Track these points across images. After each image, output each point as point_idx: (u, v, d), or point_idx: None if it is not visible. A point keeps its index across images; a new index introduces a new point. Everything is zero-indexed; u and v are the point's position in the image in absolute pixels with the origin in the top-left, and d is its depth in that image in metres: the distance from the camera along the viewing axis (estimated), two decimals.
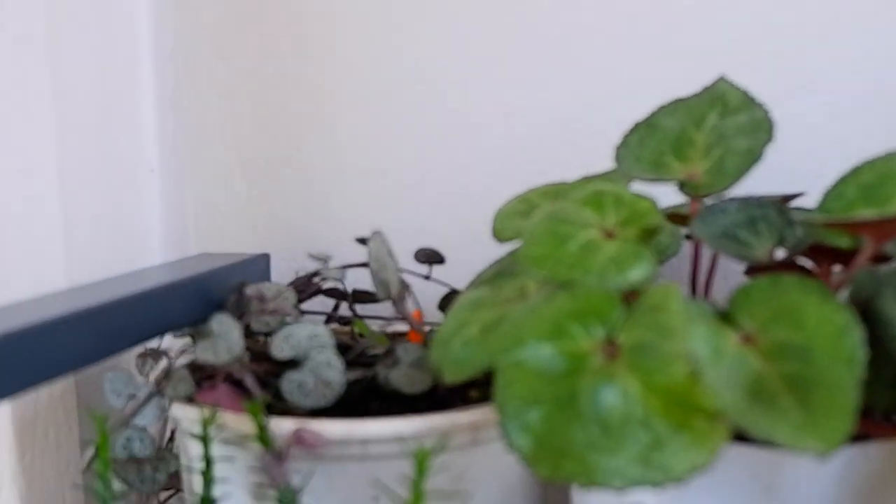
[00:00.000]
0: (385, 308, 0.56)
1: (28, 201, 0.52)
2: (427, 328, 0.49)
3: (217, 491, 0.39)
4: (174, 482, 0.45)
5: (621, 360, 0.35)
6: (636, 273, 0.38)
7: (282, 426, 0.38)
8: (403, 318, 0.48)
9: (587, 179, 0.48)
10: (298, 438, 0.37)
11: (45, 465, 0.53)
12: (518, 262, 0.44)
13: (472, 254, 0.55)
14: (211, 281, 0.50)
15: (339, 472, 0.39)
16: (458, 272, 0.53)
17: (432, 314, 0.54)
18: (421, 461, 0.32)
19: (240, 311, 0.48)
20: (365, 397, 0.44)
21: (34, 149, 0.53)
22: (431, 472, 0.32)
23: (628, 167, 0.46)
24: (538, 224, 0.41)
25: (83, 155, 0.56)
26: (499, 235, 0.46)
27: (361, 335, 0.51)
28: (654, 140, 0.47)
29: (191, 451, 0.42)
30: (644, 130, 0.47)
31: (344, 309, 0.55)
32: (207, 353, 0.42)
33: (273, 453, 0.37)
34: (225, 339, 0.42)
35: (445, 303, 0.51)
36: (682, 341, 0.34)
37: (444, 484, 0.40)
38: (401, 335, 0.52)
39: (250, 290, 0.46)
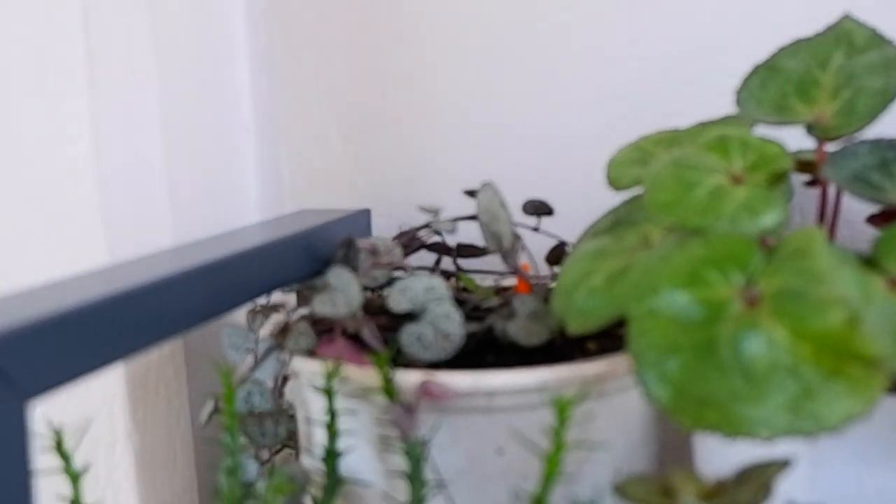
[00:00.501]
0: (487, 263, 0.55)
1: (134, 161, 0.53)
2: (539, 281, 0.48)
3: (341, 444, 0.39)
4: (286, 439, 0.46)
5: (764, 307, 0.33)
6: (769, 219, 0.37)
7: (407, 378, 0.38)
8: (513, 271, 0.47)
9: (702, 126, 0.47)
10: (426, 390, 0.37)
11: (157, 421, 0.54)
12: (639, 210, 0.43)
13: (579, 205, 0.54)
14: (315, 236, 0.50)
15: (463, 424, 0.39)
16: (565, 224, 0.52)
17: (540, 267, 0.53)
18: (562, 410, 0.31)
19: (349, 266, 0.47)
20: (479, 351, 0.44)
21: (139, 109, 0.53)
22: (571, 422, 0.32)
23: (750, 111, 0.44)
24: (662, 170, 0.40)
25: (184, 115, 0.56)
26: (614, 184, 0.45)
27: (467, 290, 0.51)
28: (777, 82, 0.45)
29: (311, 406, 0.42)
30: (765, 73, 0.45)
31: (446, 264, 0.54)
32: (326, 307, 0.42)
33: (403, 405, 0.36)
34: (343, 292, 0.42)
35: (554, 255, 0.50)
36: (834, 286, 0.32)
37: (570, 436, 0.40)
38: (507, 290, 0.51)
39: (362, 244, 0.46)
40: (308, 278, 0.48)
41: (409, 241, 0.51)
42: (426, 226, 0.51)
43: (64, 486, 0.36)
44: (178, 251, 0.45)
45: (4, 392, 0.27)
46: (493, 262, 0.55)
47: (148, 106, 0.53)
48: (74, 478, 0.36)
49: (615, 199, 0.45)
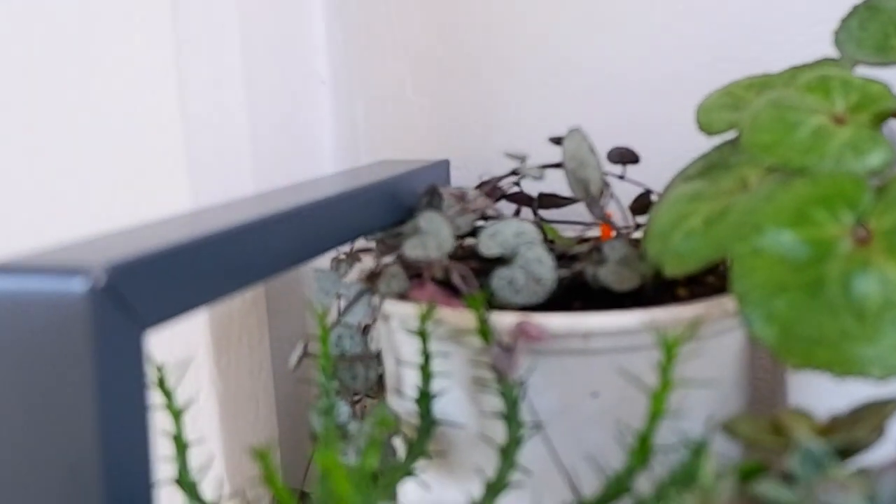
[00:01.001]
0: (568, 213, 0.55)
1: (218, 111, 0.53)
2: (626, 230, 0.48)
3: (434, 386, 0.39)
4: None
5: (875, 246, 0.33)
6: (875, 158, 0.36)
7: (501, 320, 0.38)
8: (599, 219, 0.47)
9: (795, 70, 0.45)
10: (522, 331, 0.37)
11: (240, 368, 0.55)
12: (734, 153, 0.42)
13: (664, 153, 0.53)
14: (396, 185, 0.50)
15: (558, 367, 0.39)
16: (649, 173, 0.51)
17: (624, 217, 0.52)
18: (670, 347, 0.31)
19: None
20: (568, 298, 0.44)
21: (221, 60, 0.53)
22: (677, 360, 0.31)
23: (850, 52, 0.43)
24: (762, 112, 0.39)
25: (263, 67, 0.57)
26: (706, 129, 0.44)
27: (550, 240, 0.50)
28: (877, 22, 0.43)
29: (401, 349, 0.42)
30: (865, 13, 0.44)
31: (525, 216, 0.54)
32: (417, 250, 0.42)
33: (502, 345, 0.36)
34: (434, 235, 0.42)
35: (639, 204, 0.50)
36: None
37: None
38: (589, 241, 0.50)
39: (449, 190, 0.46)
40: (390, 227, 0.48)
41: (491, 192, 0.51)
42: (506, 176, 0.50)
43: (165, 422, 0.37)
44: (259, 198, 0.45)
45: (125, 320, 0.28)
46: (573, 212, 0.54)
47: (230, 57, 0.54)
48: (176, 414, 0.36)
49: (701, 146, 0.44)
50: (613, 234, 0.47)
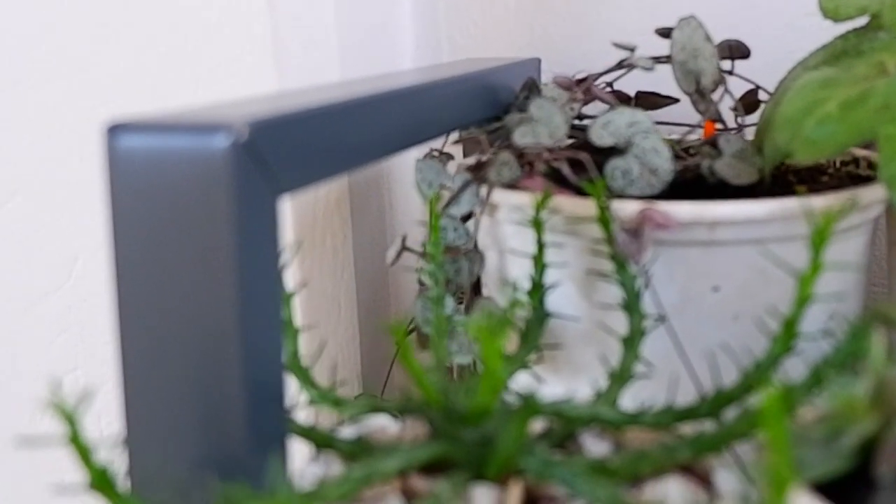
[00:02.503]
0: (662, 115, 0.52)
1: (305, 4, 0.51)
2: (735, 128, 0.46)
3: (548, 278, 0.38)
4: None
5: None
6: None
7: (622, 208, 0.36)
8: (707, 114, 0.45)
9: None
10: (648, 217, 0.35)
11: (323, 271, 0.54)
12: (868, 40, 0.40)
13: (774, 50, 0.50)
14: (490, 80, 0.48)
15: (679, 259, 0.37)
16: (755, 69, 0.49)
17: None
18: (822, 230, 0.29)
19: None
20: (677, 195, 0.42)
21: None
22: (828, 244, 0.30)
23: None
24: None
25: None
26: (832, 15, 0.41)
27: None
28: None
29: (508, 242, 0.41)
30: None
31: None
32: (527, 138, 0.40)
33: (629, 230, 0.35)
34: (546, 123, 0.40)
35: (747, 101, 0.47)
36: None
37: (789, 269, 0.38)
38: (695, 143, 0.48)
39: (558, 79, 0.44)
40: (484, 123, 0.47)
41: (588, 90, 0.49)
42: (610, 70, 0.48)
43: None
44: (373, 79, 0.43)
45: (263, 181, 0.26)
46: (669, 114, 0.52)
47: None
48: (286, 299, 0.35)
49: (809, 42, 0.42)
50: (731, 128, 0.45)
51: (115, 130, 0.26)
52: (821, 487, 0.25)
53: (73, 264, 0.56)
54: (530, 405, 0.27)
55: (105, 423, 0.59)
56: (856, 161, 0.46)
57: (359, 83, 0.39)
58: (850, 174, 0.45)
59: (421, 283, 0.46)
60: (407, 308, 0.61)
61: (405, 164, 0.61)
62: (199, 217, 0.26)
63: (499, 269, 0.43)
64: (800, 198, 0.36)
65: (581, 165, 0.41)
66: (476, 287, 0.45)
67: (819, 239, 0.29)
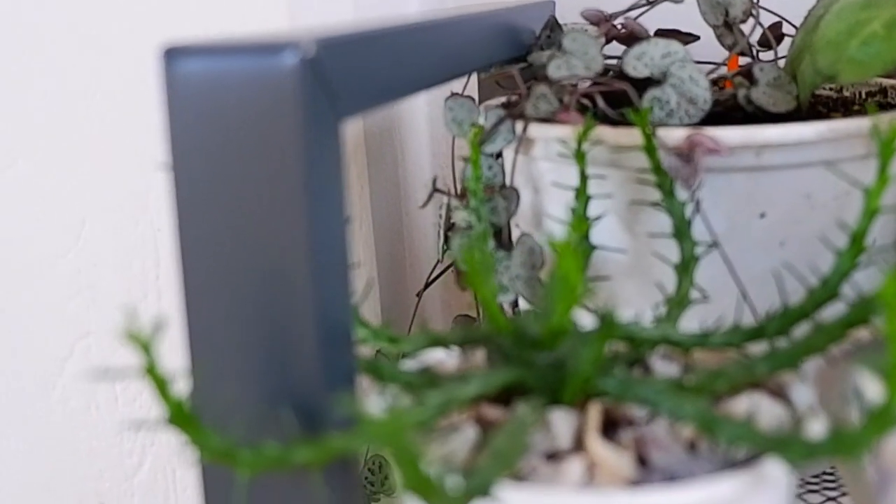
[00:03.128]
0: None
1: None
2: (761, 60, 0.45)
3: (590, 210, 0.37)
4: None
5: None
6: None
7: (668, 135, 0.36)
8: (734, 48, 0.44)
9: None
10: (697, 142, 0.35)
11: None
12: None
13: None
14: (512, 19, 0.47)
15: (725, 186, 0.37)
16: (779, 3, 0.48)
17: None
18: (888, 143, 0.29)
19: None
20: (713, 124, 0.41)
21: None
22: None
23: None
24: None
25: None
26: None
27: None
28: None
29: (547, 177, 0.40)
30: None
31: None
32: (561, 71, 0.39)
33: (679, 154, 0.34)
34: (580, 56, 0.40)
35: (773, 32, 0.47)
36: None
37: (832, 194, 0.37)
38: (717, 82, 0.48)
39: (588, 13, 0.43)
40: (505, 64, 0.46)
41: (607, 30, 0.48)
42: (633, 7, 0.47)
43: None
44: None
45: (329, 105, 0.25)
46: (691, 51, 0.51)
47: None
48: None
49: None
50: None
51: (173, 54, 0.25)
52: None
53: (80, 227, 0.54)
54: (609, 324, 0.26)
55: (120, 389, 0.58)
56: (883, 91, 0.46)
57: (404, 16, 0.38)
58: (880, 104, 0.45)
59: (448, 224, 0.46)
60: (422, 258, 0.60)
61: (415, 115, 0.60)
62: (265, 141, 0.25)
63: (532, 207, 0.42)
64: (847, 119, 0.36)
65: (615, 99, 0.40)
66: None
67: (886, 153, 0.29)
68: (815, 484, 0.43)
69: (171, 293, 0.55)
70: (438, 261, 0.52)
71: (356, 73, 0.27)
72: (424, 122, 0.60)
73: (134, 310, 0.22)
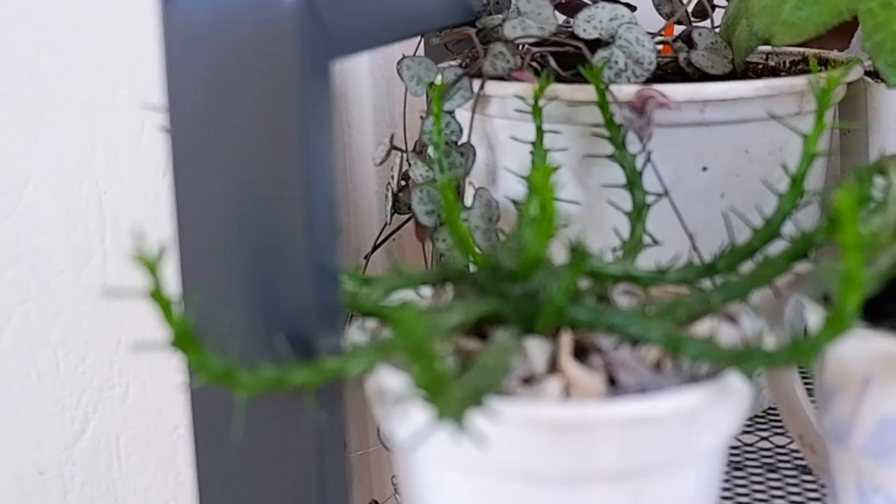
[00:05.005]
0: None
1: None
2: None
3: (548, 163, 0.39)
4: None
5: None
6: None
7: (620, 91, 0.38)
8: (673, 14, 0.47)
9: None
10: (647, 96, 0.37)
11: None
12: None
13: None
14: None
15: (671, 140, 0.39)
16: None
17: None
18: (825, 92, 0.32)
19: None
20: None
21: None
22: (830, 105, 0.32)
23: None
24: None
25: None
26: None
27: None
28: None
29: (502, 134, 0.42)
30: None
31: None
32: (517, 31, 0.41)
33: (634, 107, 0.36)
34: (534, 17, 0.41)
35: (704, 4, 0.50)
36: None
37: (768, 149, 0.40)
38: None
39: None
40: (456, 28, 0.47)
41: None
42: None
43: None
44: None
45: (323, 45, 0.26)
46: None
47: None
48: None
49: None
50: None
51: None
52: None
53: (22, 190, 0.54)
54: (581, 255, 0.28)
55: (62, 355, 0.57)
56: (805, 60, 0.49)
57: None
58: (804, 71, 0.48)
59: (405, 180, 0.47)
60: (366, 224, 0.61)
61: (359, 85, 0.61)
62: (261, 77, 0.25)
63: (487, 164, 0.44)
64: (782, 78, 0.39)
65: (566, 60, 0.42)
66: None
67: (825, 98, 0.32)
68: (750, 425, 0.46)
69: (117, 257, 0.54)
70: (385, 224, 0.53)
71: (348, 13, 0.28)
72: (368, 91, 0.61)
73: (142, 231, 0.23)
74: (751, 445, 0.45)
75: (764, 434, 0.46)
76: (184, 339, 0.24)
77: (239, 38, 0.25)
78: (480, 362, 0.26)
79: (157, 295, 0.24)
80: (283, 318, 0.27)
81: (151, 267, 0.23)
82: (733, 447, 0.45)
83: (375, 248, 0.57)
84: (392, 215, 0.52)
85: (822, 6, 0.38)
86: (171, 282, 0.27)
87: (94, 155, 0.52)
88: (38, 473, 0.58)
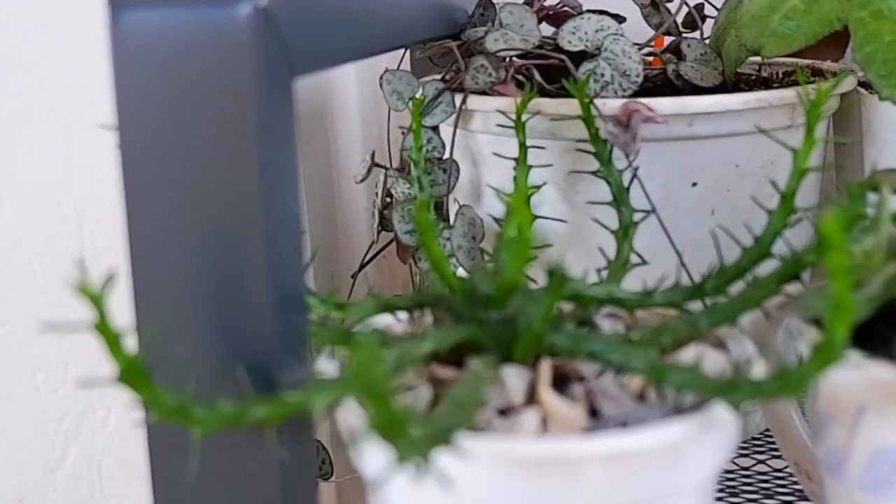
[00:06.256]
0: None
1: None
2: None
3: (529, 180, 0.38)
4: None
5: None
6: None
7: (605, 105, 0.37)
8: (662, 24, 0.46)
9: None
10: (633, 110, 0.36)
11: None
12: None
13: None
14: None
15: (659, 155, 0.38)
16: None
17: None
18: (814, 106, 0.30)
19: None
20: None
21: None
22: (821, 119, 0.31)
23: None
24: None
25: None
26: None
27: None
28: None
29: (485, 149, 0.41)
30: None
31: None
32: (499, 44, 0.40)
33: (617, 123, 0.35)
34: (516, 29, 0.40)
35: (695, 14, 0.48)
36: None
37: (759, 164, 0.39)
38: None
39: None
40: (438, 40, 0.46)
41: (540, 9, 0.49)
42: None
43: None
44: None
45: (283, 61, 0.25)
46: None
47: None
48: None
49: None
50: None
51: (118, 5, 0.24)
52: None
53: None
54: (560, 279, 0.27)
55: (42, 378, 0.56)
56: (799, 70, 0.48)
57: None
58: (796, 82, 0.47)
59: (384, 202, 0.46)
60: (356, 241, 0.60)
61: (346, 99, 0.60)
62: (217, 95, 0.24)
63: (471, 181, 0.42)
64: (771, 91, 0.38)
65: (551, 73, 0.41)
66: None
67: (814, 112, 0.31)
68: (746, 448, 0.45)
69: (95, 277, 0.53)
70: (373, 242, 0.52)
71: (309, 30, 0.27)
72: (356, 105, 0.60)
73: (84, 264, 0.22)
74: (747, 469, 0.43)
75: (761, 458, 0.44)
76: (132, 375, 0.23)
77: (192, 54, 0.24)
78: (451, 395, 0.25)
79: (102, 328, 0.22)
80: (245, 350, 0.26)
81: (95, 299, 0.22)
82: (728, 471, 0.43)
83: (362, 266, 0.55)
84: (379, 233, 0.50)
85: (811, 16, 0.37)
86: (126, 312, 0.26)
87: (73, 174, 0.51)
88: (19, 501, 0.57)
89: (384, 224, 0.49)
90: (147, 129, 0.25)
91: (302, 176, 0.55)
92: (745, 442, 0.45)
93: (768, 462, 0.43)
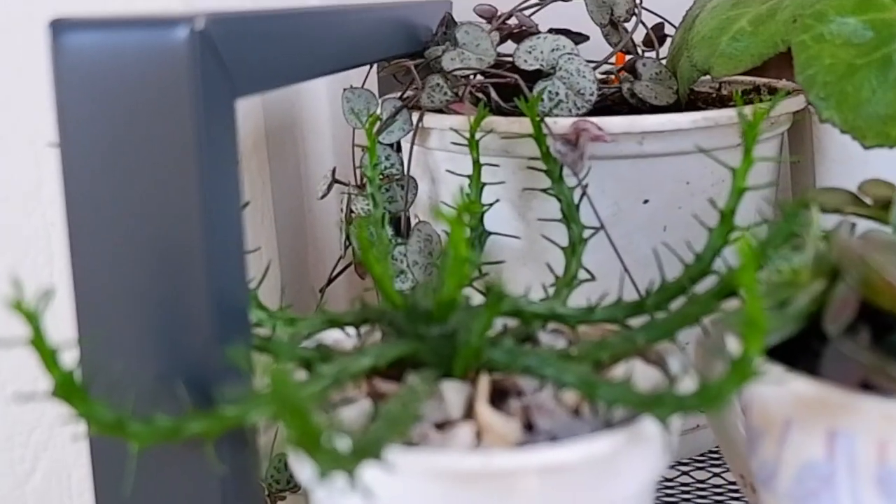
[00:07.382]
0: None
1: None
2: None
3: (484, 196, 0.39)
4: None
5: None
6: None
7: (557, 124, 0.37)
8: (620, 43, 0.46)
9: None
10: (583, 128, 0.36)
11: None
12: None
13: None
14: (409, 14, 0.48)
15: (611, 173, 0.38)
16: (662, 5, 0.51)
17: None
18: (752, 126, 0.31)
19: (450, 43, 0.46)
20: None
21: None
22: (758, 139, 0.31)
23: None
24: None
25: None
26: None
27: None
28: None
29: (442, 166, 0.41)
30: None
31: None
32: (455, 63, 0.40)
33: (568, 141, 0.36)
34: (472, 48, 0.41)
35: (656, 33, 0.49)
36: None
37: (709, 181, 0.40)
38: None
39: (481, 9, 0.44)
40: (402, 58, 0.47)
41: (500, 28, 0.50)
42: (522, 8, 0.49)
43: None
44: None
45: (223, 82, 0.26)
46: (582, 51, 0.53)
47: None
48: None
49: None
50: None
51: (60, 27, 0.25)
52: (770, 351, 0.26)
53: None
54: (497, 296, 0.27)
55: (11, 390, 0.56)
56: (757, 88, 0.48)
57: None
58: (752, 101, 0.48)
59: (349, 217, 0.46)
60: (326, 254, 0.61)
61: (318, 112, 0.60)
62: (157, 116, 0.25)
63: (430, 197, 0.43)
64: (720, 110, 0.38)
65: (508, 92, 0.42)
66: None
67: (751, 133, 0.31)
68: (702, 462, 0.45)
69: (65, 290, 0.54)
70: (341, 256, 0.52)
71: (250, 51, 0.27)
72: (327, 120, 0.61)
73: (20, 281, 0.22)
74: (703, 482, 0.44)
75: (716, 471, 0.45)
76: (67, 390, 0.23)
77: (133, 76, 0.25)
78: (385, 410, 0.25)
79: (38, 344, 0.23)
80: (185, 365, 0.26)
81: (30, 316, 0.22)
82: (685, 484, 0.44)
83: (330, 281, 0.56)
84: (347, 248, 0.51)
85: (758, 38, 0.37)
86: (66, 329, 0.26)
87: (42, 188, 0.51)
88: None
89: (350, 240, 0.49)
90: (89, 148, 0.25)
91: (271, 190, 0.55)
92: (701, 455, 0.46)
93: (723, 475, 0.44)
